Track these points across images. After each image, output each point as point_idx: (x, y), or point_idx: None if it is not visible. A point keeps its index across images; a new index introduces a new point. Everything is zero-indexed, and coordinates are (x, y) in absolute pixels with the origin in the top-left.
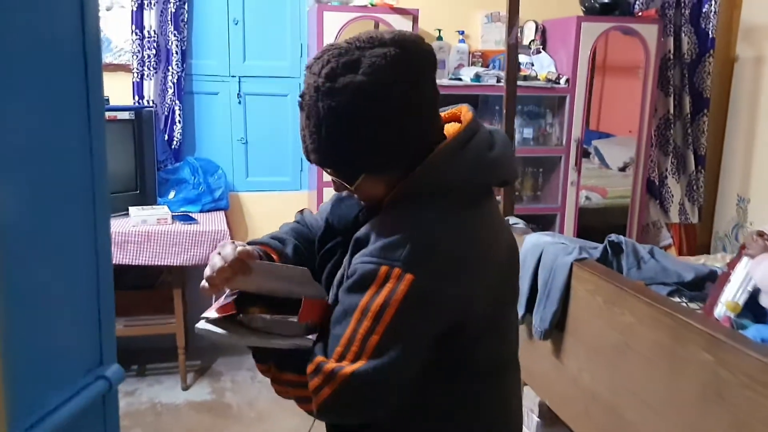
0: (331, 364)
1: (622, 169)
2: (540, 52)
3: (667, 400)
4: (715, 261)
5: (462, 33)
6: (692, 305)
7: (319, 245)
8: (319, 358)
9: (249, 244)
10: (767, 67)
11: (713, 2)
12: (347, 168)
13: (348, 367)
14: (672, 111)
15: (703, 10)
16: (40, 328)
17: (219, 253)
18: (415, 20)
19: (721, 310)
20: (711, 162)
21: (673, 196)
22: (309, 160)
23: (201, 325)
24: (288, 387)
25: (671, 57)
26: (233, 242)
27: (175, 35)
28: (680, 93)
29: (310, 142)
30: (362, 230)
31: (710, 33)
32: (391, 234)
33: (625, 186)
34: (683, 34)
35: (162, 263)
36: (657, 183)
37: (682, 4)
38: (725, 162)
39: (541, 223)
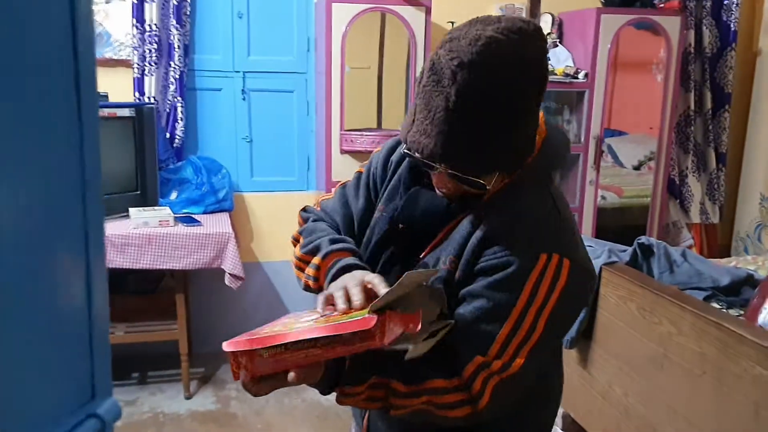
0: (498, 363)
1: (637, 168)
2: (557, 45)
3: (712, 417)
4: (747, 263)
5: None
6: (732, 311)
7: (377, 247)
8: (479, 358)
9: (336, 251)
10: None
11: None
12: (502, 166)
13: (515, 363)
14: (692, 107)
15: (725, 1)
16: (14, 355)
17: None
18: (428, 12)
19: (766, 317)
20: (732, 160)
21: (693, 195)
22: (460, 166)
23: None
24: (431, 395)
25: (692, 51)
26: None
27: (177, 29)
28: (701, 88)
29: (477, 145)
30: (487, 226)
31: (732, 26)
32: (533, 222)
33: (640, 185)
34: (704, 27)
35: (164, 267)
36: (677, 182)
37: None
38: (747, 159)
39: None
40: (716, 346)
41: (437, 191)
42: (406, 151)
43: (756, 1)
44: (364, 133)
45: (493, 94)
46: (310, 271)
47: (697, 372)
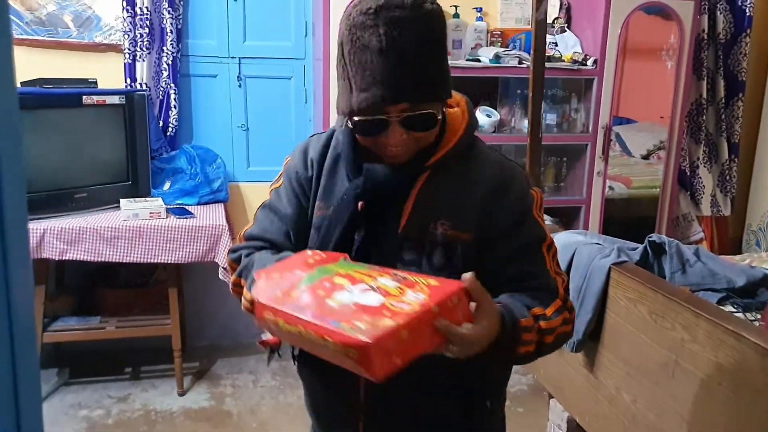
0: (568, 298)
1: (645, 157)
2: (564, 30)
3: (728, 430)
4: (762, 261)
5: (480, 10)
6: (748, 315)
7: (343, 235)
8: (558, 279)
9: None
10: None
11: None
12: (444, 93)
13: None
14: (705, 95)
15: None
16: None
17: None
18: None
19: None
20: (745, 150)
21: (704, 186)
22: (412, 97)
23: None
24: (562, 313)
25: (705, 37)
26: None
27: (169, 13)
28: (713, 76)
29: (419, 73)
30: (489, 183)
31: (748, 11)
32: (507, 168)
33: (649, 175)
34: (719, 12)
35: (155, 260)
36: (688, 173)
37: None
38: (760, 150)
39: (564, 216)
40: (734, 356)
41: (390, 153)
42: (356, 119)
43: None
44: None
45: (417, 25)
46: (246, 303)
47: (712, 382)
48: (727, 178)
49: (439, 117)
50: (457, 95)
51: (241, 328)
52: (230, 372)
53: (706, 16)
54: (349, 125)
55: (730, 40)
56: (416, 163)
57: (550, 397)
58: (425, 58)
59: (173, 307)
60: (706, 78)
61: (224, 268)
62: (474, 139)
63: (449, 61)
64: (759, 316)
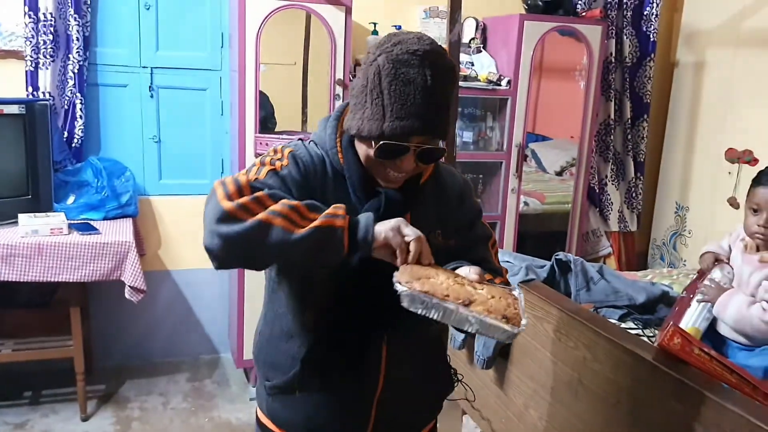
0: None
1: (559, 174)
2: (480, 51)
3: None
4: (663, 276)
5: (399, 28)
6: (647, 332)
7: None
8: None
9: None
10: (707, 73)
11: (655, 4)
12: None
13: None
14: (612, 116)
15: (645, 12)
16: None
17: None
18: (348, 12)
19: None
20: (650, 169)
21: (612, 203)
22: (437, 133)
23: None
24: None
25: (613, 60)
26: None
27: (75, 19)
28: (621, 97)
29: (446, 113)
30: (454, 192)
31: (651, 36)
32: (461, 178)
33: (562, 191)
34: (625, 37)
35: (55, 279)
36: (597, 190)
37: (624, 6)
38: (664, 169)
39: None
40: (630, 375)
41: (392, 178)
42: (382, 142)
43: (674, 12)
44: (281, 136)
45: (451, 71)
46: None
47: (611, 400)
48: (634, 195)
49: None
50: None
51: (151, 348)
52: (138, 394)
53: (613, 40)
54: (369, 149)
55: (636, 63)
56: (408, 184)
57: (464, 413)
58: (449, 102)
59: (75, 328)
60: (613, 99)
61: (135, 288)
62: None
63: None
64: (657, 332)
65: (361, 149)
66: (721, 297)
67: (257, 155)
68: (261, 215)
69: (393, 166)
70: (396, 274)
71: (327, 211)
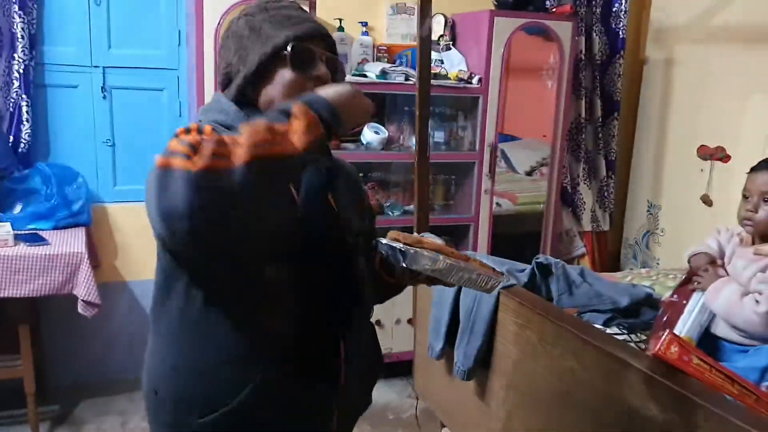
0: None
1: (529, 173)
2: (450, 48)
3: None
4: (641, 277)
5: (365, 24)
6: (633, 336)
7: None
8: None
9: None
10: (677, 70)
11: (623, 1)
12: None
13: None
14: (583, 114)
15: (614, 9)
16: None
17: None
18: (312, 7)
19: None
20: (621, 167)
21: (585, 203)
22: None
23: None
24: None
25: (582, 58)
26: None
27: (20, 16)
28: (591, 96)
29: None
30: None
31: (621, 33)
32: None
33: (533, 191)
34: (595, 34)
35: (1, 295)
36: (569, 190)
37: (594, 2)
38: (635, 167)
39: (455, 234)
40: (622, 386)
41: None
42: (296, 43)
43: (643, 9)
44: None
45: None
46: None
47: (603, 412)
48: (605, 194)
49: None
50: None
51: (107, 365)
52: (96, 414)
53: (583, 38)
54: (282, 74)
55: (606, 61)
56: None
57: (443, 425)
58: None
59: (25, 347)
60: (584, 97)
61: (88, 303)
62: None
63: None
64: (644, 337)
65: (269, 92)
66: (715, 282)
67: None
68: (241, 152)
69: (311, 80)
70: (385, 240)
71: (279, 108)
